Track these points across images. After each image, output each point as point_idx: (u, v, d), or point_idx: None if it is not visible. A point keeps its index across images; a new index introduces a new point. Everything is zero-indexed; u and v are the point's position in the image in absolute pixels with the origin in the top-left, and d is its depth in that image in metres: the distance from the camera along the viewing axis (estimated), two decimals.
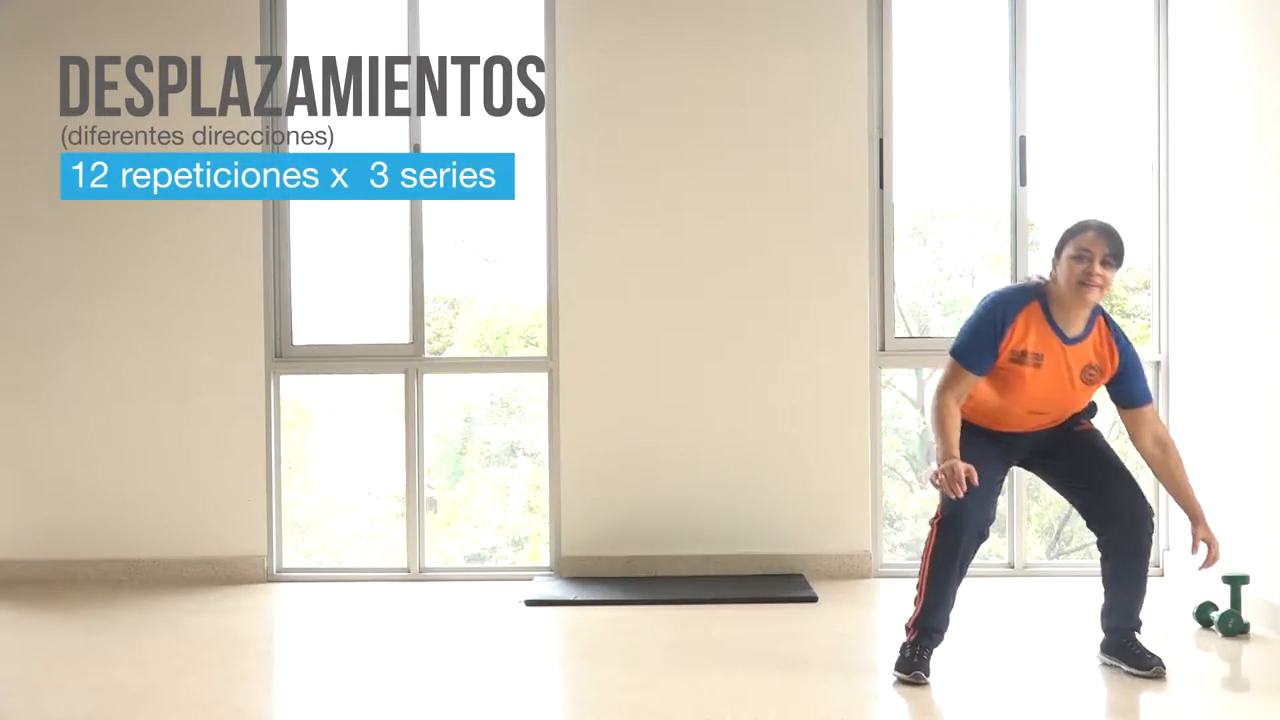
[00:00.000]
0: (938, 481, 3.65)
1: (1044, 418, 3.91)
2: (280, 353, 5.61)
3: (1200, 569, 3.93)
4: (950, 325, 7.18)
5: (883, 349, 5.57)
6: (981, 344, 3.79)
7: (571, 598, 5.10)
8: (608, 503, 5.51)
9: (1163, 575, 5.50)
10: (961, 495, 3.62)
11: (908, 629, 3.90)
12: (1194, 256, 5.27)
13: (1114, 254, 3.76)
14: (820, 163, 5.50)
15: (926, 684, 3.79)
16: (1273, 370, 4.55)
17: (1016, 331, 3.78)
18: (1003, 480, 4.02)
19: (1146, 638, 3.97)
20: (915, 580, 3.91)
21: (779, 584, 5.21)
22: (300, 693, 4.00)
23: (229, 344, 5.51)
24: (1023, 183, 5.55)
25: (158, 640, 4.49)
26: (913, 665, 3.82)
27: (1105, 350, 3.85)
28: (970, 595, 5.17)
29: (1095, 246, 3.74)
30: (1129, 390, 3.89)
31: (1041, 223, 6.53)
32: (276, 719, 3.75)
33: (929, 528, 3.87)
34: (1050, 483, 4.11)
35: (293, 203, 5.60)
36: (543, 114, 5.52)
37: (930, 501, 7.56)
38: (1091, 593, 5.18)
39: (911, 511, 7.59)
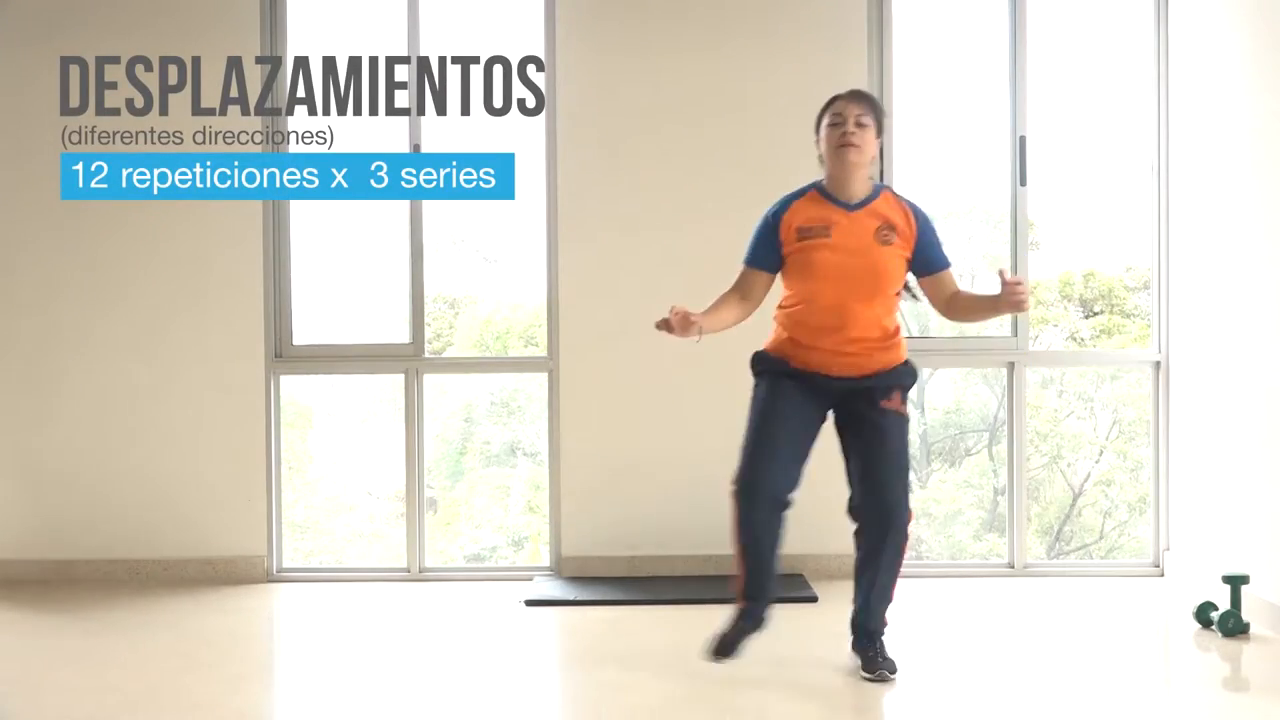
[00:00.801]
0: (659, 321, 3.69)
1: (858, 309, 3.76)
2: (280, 353, 5.61)
3: (1013, 296, 3.69)
4: (950, 325, 7.19)
5: None
6: (760, 241, 3.86)
7: (571, 598, 5.10)
8: (608, 503, 5.51)
9: (1163, 575, 5.50)
10: (672, 330, 3.66)
11: (737, 596, 3.87)
12: (1194, 256, 5.27)
13: (865, 110, 3.79)
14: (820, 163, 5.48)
15: (726, 660, 3.81)
16: (1273, 370, 4.55)
17: (795, 215, 3.82)
18: (810, 440, 3.89)
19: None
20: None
21: (779, 584, 5.20)
22: (300, 693, 4.00)
23: (229, 344, 5.51)
24: (1023, 183, 5.55)
25: (158, 640, 4.49)
26: (724, 643, 3.83)
27: (897, 212, 3.82)
28: (970, 595, 5.19)
29: (847, 109, 3.79)
30: (929, 256, 3.84)
31: (1041, 223, 6.53)
32: (276, 719, 3.75)
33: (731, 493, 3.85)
34: (842, 450, 3.97)
35: (293, 203, 5.60)
36: (543, 114, 5.53)
37: (930, 500, 7.56)
38: (1092, 593, 5.20)
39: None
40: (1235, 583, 4.46)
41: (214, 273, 5.51)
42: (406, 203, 5.58)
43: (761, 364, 3.95)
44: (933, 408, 7.56)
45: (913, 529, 3.91)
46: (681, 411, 5.50)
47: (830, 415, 3.94)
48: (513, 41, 5.76)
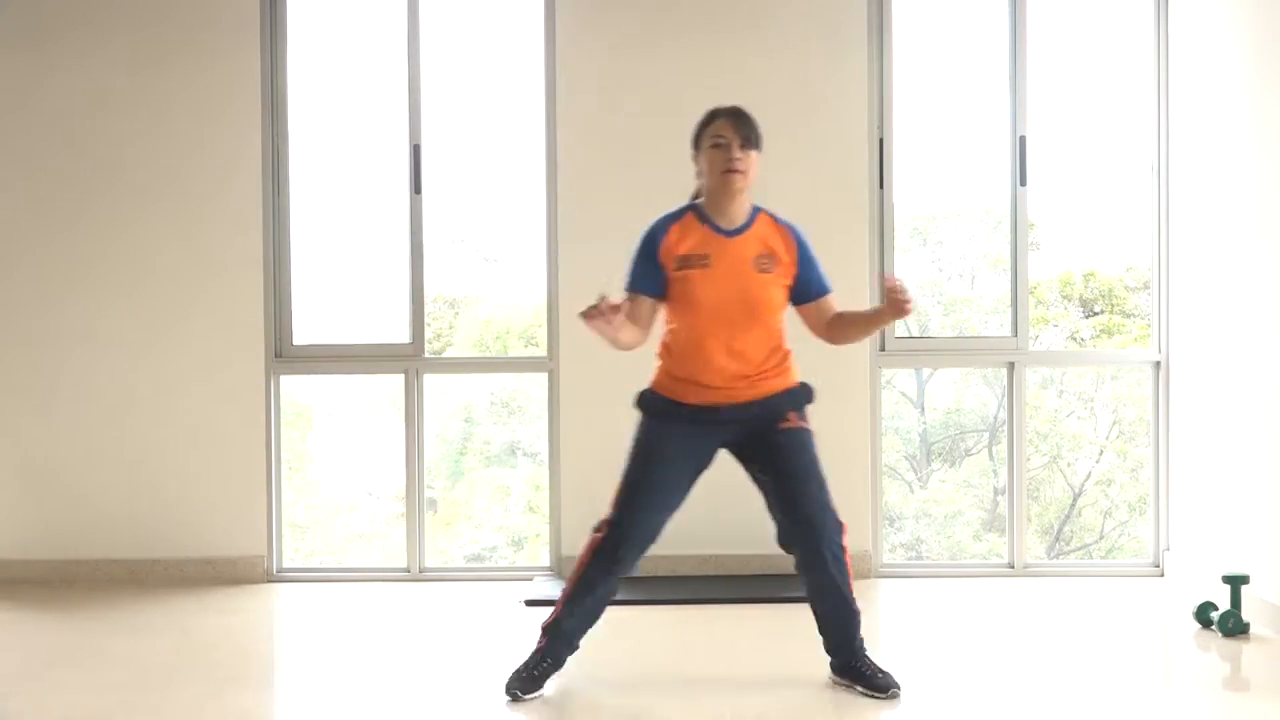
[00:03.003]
0: (585, 310, 3.51)
1: (741, 338, 3.67)
2: (280, 353, 5.61)
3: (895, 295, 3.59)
4: (950, 325, 7.20)
5: (883, 349, 5.57)
6: (640, 266, 3.71)
7: None
8: (608, 503, 5.49)
9: (1162, 575, 5.50)
10: (599, 318, 3.49)
11: (543, 629, 3.77)
12: (1194, 256, 5.27)
13: (749, 136, 3.67)
14: (820, 163, 5.49)
15: (524, 701, 3.67)
16: (1273, 370, 4.55)
17: (673, 240, 3.68)
18: (688, 487, 3.78)
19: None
20: (566, 579, 3.80)
21: (779, 584, 5.21)
22: (300, 693, 4.00)
23: (229, 344, 5.51)
24: (1023, 183, 5.55)
25: (158, 640, 4.49)
26: (523, 681, 3.70)
27: (776, 238, 3.72)
28: (970, 595, 5.19)
29: (729, 131, 3.66)
30: (808, 280, 3.75)
31: (1041, 223, 6.54)
32: (276, 719, 3.75)
33: (591, 533, 3.75)
34: (756, 481, 3.85)
35: (293, 202, 5.60)
36: (543, 114, 5.54)
37: (930, 500, 7.57)
38: (1091, 593, 5.20)
39: (911, 511, 7.59)
40: (1235, 583, 4.46)
41: (214, 272, 5.51)
42: (406, 202, 5.58)
43: (648, 403, 3.80)
44: (933, 408, 7.57)
45: (848, 541, 3.75)
46: None
47: (728, 450, 3.81)
48: (513, 41, 5.78)
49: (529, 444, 7.41)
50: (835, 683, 3.82)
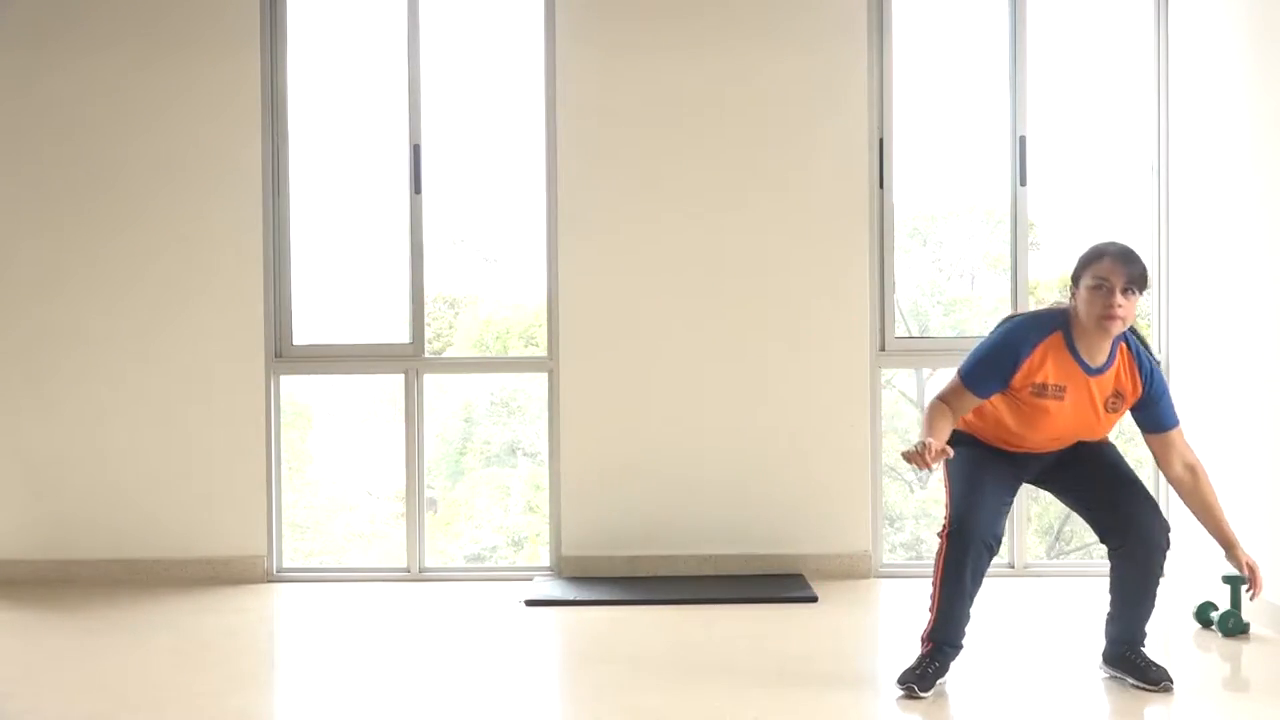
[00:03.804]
0: (911, 454, 3.47)
1: (1064, 444, 3.80)
2: (280, 353, 5.60)
3: (1251, 598, 3.83)
4: (950, 325, 7.19)
5: (883, 349, 5.57)
6: (990, 371, 3.65)
7: (571, 598, 5.10)
8: (608, 502, 5.51)
9: (1163, 575, 5.48)
10: (930, 467, 3.47)
11: (923, 640, 3.77)
12: (1194, 256, 5.27)
13: (1134, 280, 3.55)
14: (820, 163, 5.49)
15: (921, 698, 3.68)
16: (1273, 370, 4.55)
17: (1035, 363, 3.61)
18: (1014, 494, 3.84)
19: (1150, 645, 3.91)
20: (929, 590, 3.79)
21: (779, 584, 5.21)
22: (300, 692, 4.00)
23: (229, 344, 5.50)
24: (1023, 183, 5.55)
25: (158, 640, 4.49)
26: (916, 678, 3.70)
27: (1128, 377, 3.68)
28: None
29: (1114, 276, 3.54)
30: (1155, 415, 3.73)
31: (1041, 223, 6.53)
32: (276, 719, 3.75)
33: (938, 540, 3.77)
34: (1060, 496, 3.97)
35: (292, 202, 5.60)
36: (543, 114, 5.54)
37: (930, 501, 7.56)
38: (1092, 593, 5.19)
39: (911, 511, 7.59)
40: (1235, 583, 4.45)
41: (214, 273, 5.50)
42: (406, 202, 5.58)
43: (960, 440, 3.77)
44: None
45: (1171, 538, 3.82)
46: (681, 411, 5.50)
47: (1040, 485, 3.93)
48: (513, 42, 5.78)
49: (529, 444, 7.41)
50: (1108, 675, 3.86)
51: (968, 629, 3.79)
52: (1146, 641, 3.86)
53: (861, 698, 3.73)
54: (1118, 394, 3.69)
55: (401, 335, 5.67)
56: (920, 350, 5.95)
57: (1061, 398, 3.63)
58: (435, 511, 7.35)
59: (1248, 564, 3.74)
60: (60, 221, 5.50)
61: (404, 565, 5.63)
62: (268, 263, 5.54)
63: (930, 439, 3.47)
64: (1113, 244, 3.65)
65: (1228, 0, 4.97)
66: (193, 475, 5.50)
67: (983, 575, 3.74)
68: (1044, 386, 3.62)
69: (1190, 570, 5.22)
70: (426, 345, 5.70)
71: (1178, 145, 5.42)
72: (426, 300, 5.71)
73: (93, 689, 3.84)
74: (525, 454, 7.47)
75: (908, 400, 7.51)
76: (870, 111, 5.51)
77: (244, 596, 5.22)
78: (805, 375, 5.49)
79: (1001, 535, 3.75)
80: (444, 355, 6.53)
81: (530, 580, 5.42)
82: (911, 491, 7.59)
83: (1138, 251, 3.63)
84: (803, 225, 5.47)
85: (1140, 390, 3.69)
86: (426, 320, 5.73)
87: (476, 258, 6.94)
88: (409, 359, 5.63)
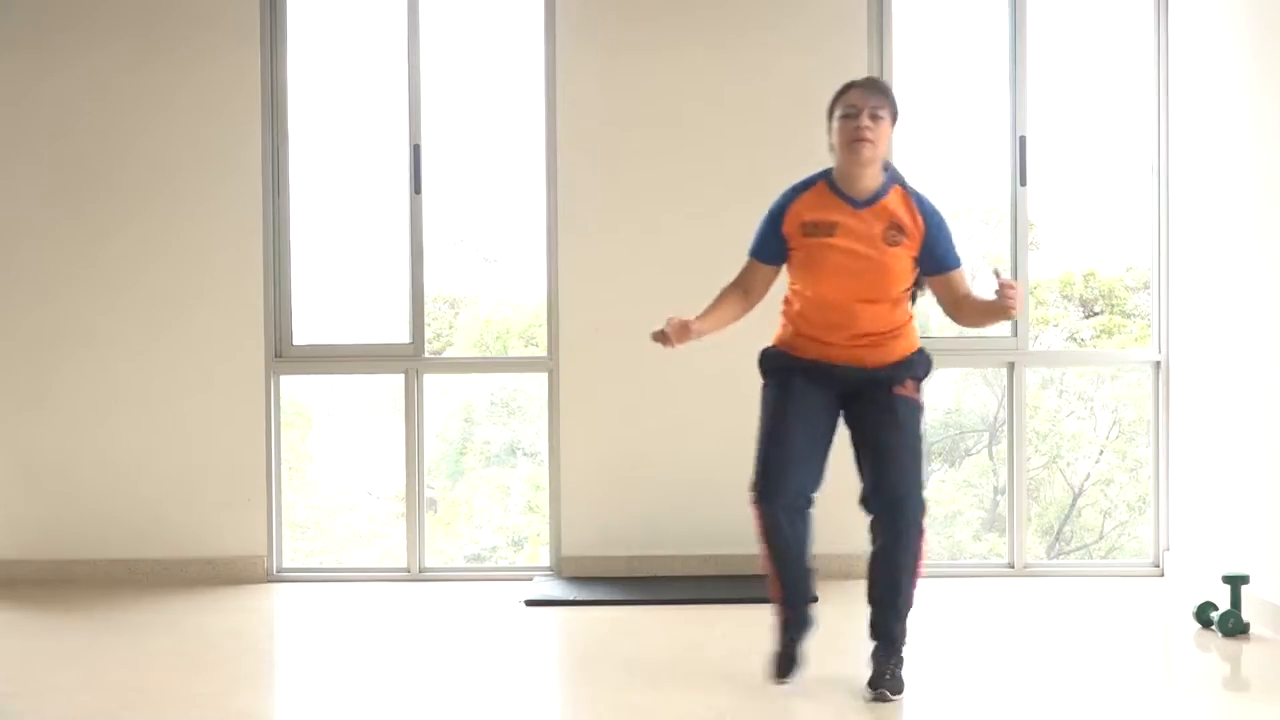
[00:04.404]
0: (655, 334, 3.63)
1: (866, 306, 3.68)
2: (280, 353, 5.60)
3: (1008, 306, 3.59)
4: (950, 325, 7.19)
5: None
6: (764, 231, 3.76)
7: (571, 598, 5.10)
8: (608, 503, 5.51)
9: (1162, 575, 5.50)
10: (671, 344, 3.61)
11: (776, 617, 3.84)
12: (1194, 256, 5.27)
13: (880, 105, 3.64)
14: (821, 162, 5.47)
15: (783, 683, 3.74)
16: (1273, 370, 4.55)
17: (801, 207, 3.70)
18: (828, 434, 3.78)
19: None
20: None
21: (813, 582, 5.18)
22: (300, 693, 4.00)
23: (229, 344, 5.51)
24: (1023, 183, 5.55)
25: (158, 640, 4.49)
26: (783, 661, 3.78)
27: (905, 210, 3.68)
28: (970, 595, 5.19)
29: (861, 101, 3.63)
30: (938, 256, 3.70)
31: (1041, 223, 6.54)
32: (276, 719, 3.75)
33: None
34: (852, 440, 3.84)
35: (292, 202, 5.60)
36: (543, 114, 5.54)
37: (930, 500, 7.56)
38: (1092, 593, 5.20)
39: None
40: (1235, 583, 4.45)
41: (214, 273, 5.51)
42: (406, 202, 5.58)
43: (769, 362, 3.86)
44: (933, 408, 7.56)
45: (928, 524, 3.81)
46: (681, 411, 5.50)
47: (845, 402, 3.83)
48: (513, 42, 5.78)
49: (529, 444, 7.42)
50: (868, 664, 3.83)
51: (813, 585, 3.86)
52: (902, 645, 3.78)
53: (862, 697, 3.73)
54: (896, 226, 3.67)
55: (401, 335, 5.67)
56: None
57: (833, 234, 3.66)
58: (435, 511, 7.35)
59: (1005, 283, 3.57)
60: (60, 221, 5.50)
61: (404, 565, 5.63)
62: (268, 263, 5.54)
63: (679, 317, 3.61)
64: (860, 78, 3.76)
65: (1228, 0, 4.97)
66: (193, 475, 5.51)
67: (805, 531, 3.78)
68: (815, 225, 3.67)
69: (1190, 570, 5.23)
70: (426, 345, 5.70)
71: (1178, 145, 5.42)
72: (426, 300, 5.71)
73: (93, 689, 3.84)
74: (525, 454, 7.47)
75: None
76: None
77: (244, 596, 5.23)
78: None
79: (814, 487, 3.76)
80: (444, 355, 6.53)
81: (530, 580, 5.42)
82: (925, 485, 7.58)
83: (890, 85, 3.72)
84: None
85: (921, 225, 3.68)
86: (426, 320, 5.73)
87: (476, 258, 6.94)
88: (409, 359, 5.63)
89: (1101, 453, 7.57)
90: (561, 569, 5.53)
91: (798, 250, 3.72)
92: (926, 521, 3.79)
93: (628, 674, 4.00)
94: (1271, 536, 4.53)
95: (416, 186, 5.57)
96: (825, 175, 3.78)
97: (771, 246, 3.76)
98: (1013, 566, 5.60)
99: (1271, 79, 4.56)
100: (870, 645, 3.81)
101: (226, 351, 5.51)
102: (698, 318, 3.70)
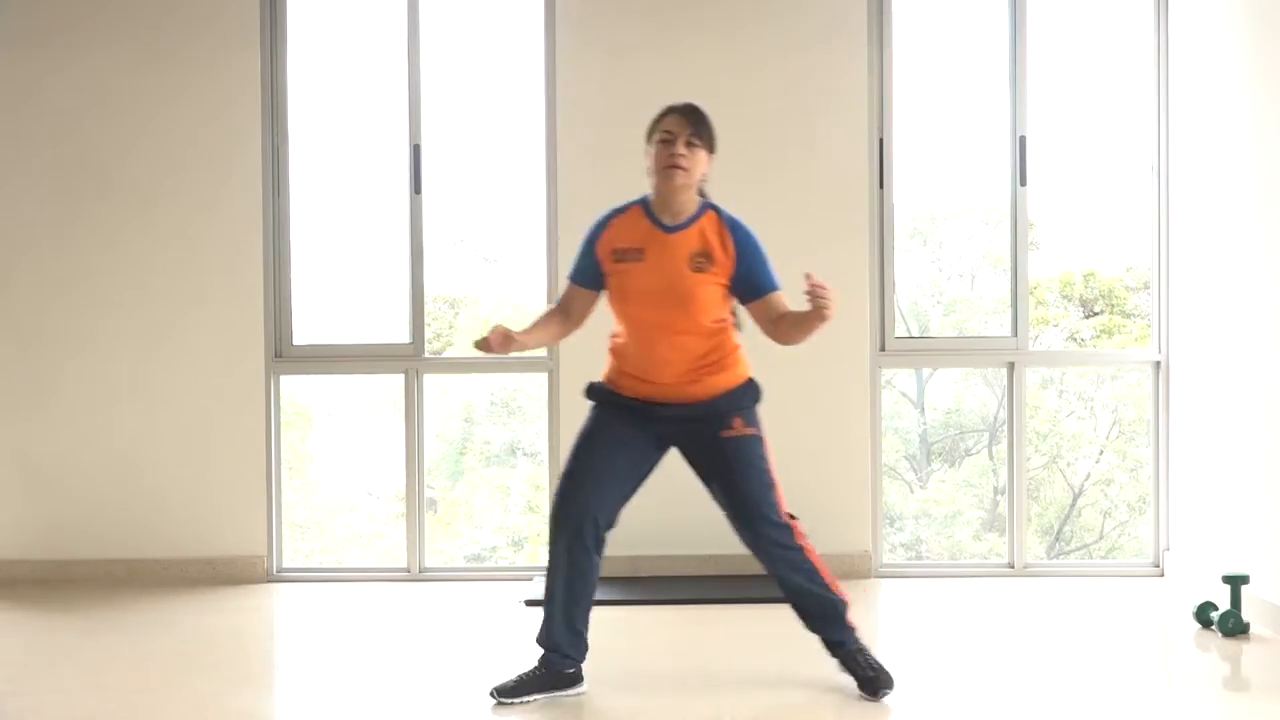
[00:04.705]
0: (478, 341, 3.59)
1: (677, 336, 3.63)
2: (280, 353, 5.61)
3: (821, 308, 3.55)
4: (950, 325, 7.20)
5: (883, 349, 5.57)
6: (581, 256, 3.73)
7: None
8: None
9: (1162, 575, 5.50)
10: (493, 350, 3.57)
11: (537, 642, 3.77)
12: (1194, 256, 5.27)
13: (697, 133, 3.63)
14: (820, 162, 5.50)
15: (504, 703, 3.65)
16: (1273, 370, 4.55)
17: (614, 233, 3.67)
18: (636, 473, 3.75)
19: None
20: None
21: (582, 643, 5.15)
22: (300, 693, 4.00)
23: (229, 344, 5.51)
24: (1023, 183, 5.55)
25: (158, 640, 4.49)
26: (507, 685, 3.70)
27: (714, 237, 3.64)
28: (970, 595, 5.19)
29: (677, 127, 3.63)
30: (753, 281, 3.66)
31: (1041, 223, 6.54)
32: (276, 719, 3.75)
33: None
34: (703, 483, 3.85)
35: (292, 202, 5.60)
36: (543, 114, 5.54)
37: (930, 500, 7.57)
38: (1092, 593, 5.20)
39: (911, 511, 7.60)
40: (1235, 583, 4.46)
41: (214, 273, 5.51)
42: (406, 202, 5.58)
43: (593, 395, 3.84)
44: (933, 408, 7.57)
45: (803, 527, 3.76)
46: None
47: (676, 449, 3.80)
48: (513, 41, 5.78)
49: (529, 444, 7.42)
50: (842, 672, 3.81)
51: (581, 645, 3.76)
52: (856, 643, 3.77)
53: (862, 698, 3.73)
54: (704, 254, 3.63)
55: (401, 335, 5.67)
56: (920, 350, 5.95)
57: (641, 259, 3.63)
58: (435, 511, 7.35)
59: (815, 283, 3.51)
60: (59, 222, 5.50)
61: (404, 565, 5.63)
62: (268, 263, 5.54)
63: (504, 326, 3.59)
64: (679, 104, 3.73)
65: (1228, 0, 4.97)
66: (193, 475, 5.51)
67: (588, 573, 3.73)
68: (624, 251, 3.65)
69: (1190, 570, 5.23)
70: (426, 345, 5.70)
71: (1178, 145, 5.42)
72: (426, 300, 5.71)
73: (93, 689, 3.84)
74: (525, 454, 7.48)
75: (908, 400, 7.51)
76: (870, 111, 5.51)
77: (244, 596, 5.23)
78: (806, 375, 5.48)
79: (606, 522, 3.71)
80: (444, 355, 6.53)
81: (530, 580, 5.42)
82: (911, 491, 7.59)
83: (708, 113, 3.70)
84: (803, 225, 5.47)
85: (733, 252, 3.64)
86: (426, 320, 5.73)
87: (476, 258, 6.95)
88: (409, 359, 5.63)
89: (1101, 453, 7.58)
90: None
91: (610, 276, 3.70)
92: (801, 529, 3.75)
93: (628, 674, 4.00)
94: (1271, 536, 4.53)
95: (416, 186, 5.57)
96: (643, 200, 3.74)
97: (587, 272, 3.74)
98: (1013, 566, 5.60)
99: (1271, 79, 4.56)
100: (834, 661, 3.80)
101: (227, 351, 5.51)
102: (522, 330, 3.69)
